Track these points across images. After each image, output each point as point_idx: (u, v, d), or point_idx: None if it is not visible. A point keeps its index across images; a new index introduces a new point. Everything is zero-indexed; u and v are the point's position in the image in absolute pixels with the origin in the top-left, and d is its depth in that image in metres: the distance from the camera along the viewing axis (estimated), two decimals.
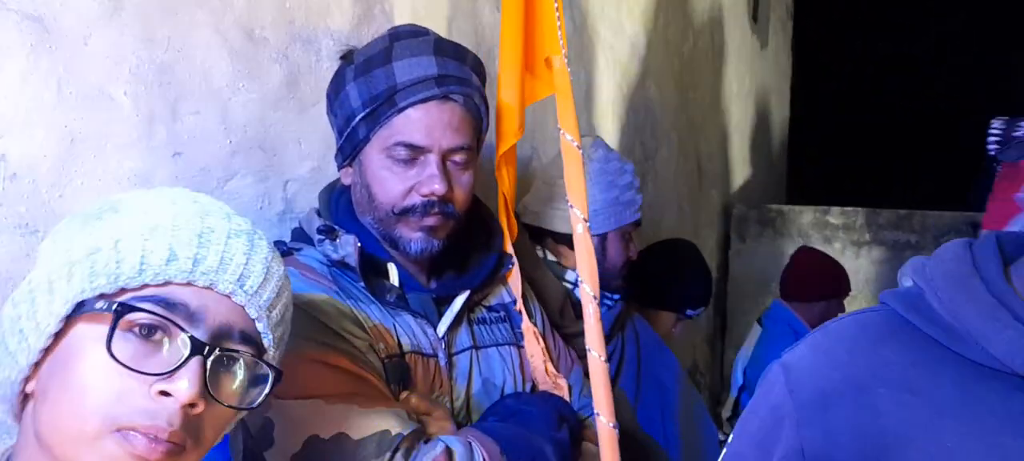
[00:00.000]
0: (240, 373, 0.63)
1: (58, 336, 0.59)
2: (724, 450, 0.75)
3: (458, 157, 1.08)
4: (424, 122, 1.04)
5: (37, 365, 0.59)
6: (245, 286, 0.62)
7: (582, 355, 1.22)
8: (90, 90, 0.96)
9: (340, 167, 1.15)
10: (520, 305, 1.22)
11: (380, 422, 0.93)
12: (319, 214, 1.13)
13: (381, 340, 1.02)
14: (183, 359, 0.58)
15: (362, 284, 1.05)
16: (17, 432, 0.63)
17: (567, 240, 1.49)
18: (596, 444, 1.15)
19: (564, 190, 1.47)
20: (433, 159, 1.05)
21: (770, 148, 5.38)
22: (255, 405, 0.65)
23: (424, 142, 1.05)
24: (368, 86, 1.06)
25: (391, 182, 1.06)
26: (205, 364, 0.59)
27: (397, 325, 1.06)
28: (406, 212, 1.06)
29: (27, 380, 0.60)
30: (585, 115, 2.22)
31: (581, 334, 1.47)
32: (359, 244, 1.06)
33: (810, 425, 0.66)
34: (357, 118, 1.07)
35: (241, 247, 0.63)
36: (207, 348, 0.59)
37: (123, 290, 0.58)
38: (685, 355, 3.02)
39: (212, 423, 0.61)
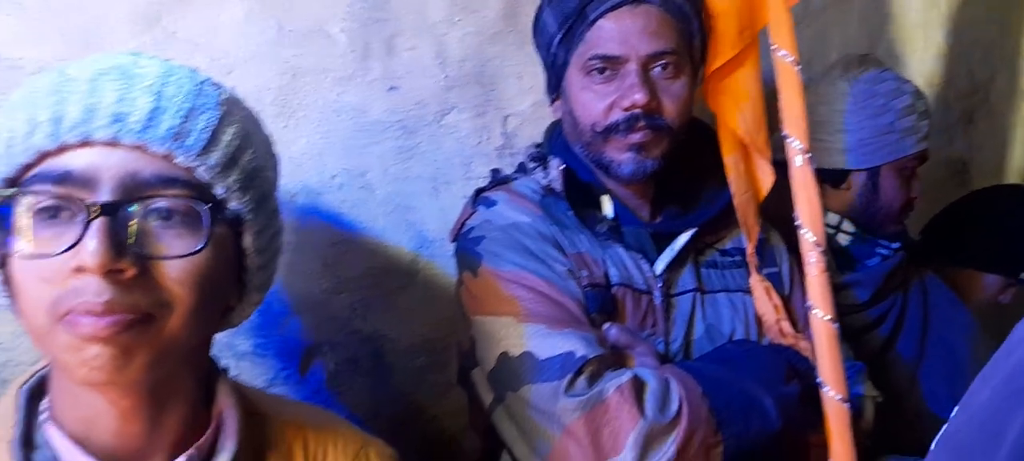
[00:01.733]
0: (179, 219, 0.57)
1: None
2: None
3: (662, 63, 0.96)
4: (617, 30, 0.95)
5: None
6: (128, 124, 0.54)
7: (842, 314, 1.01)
8: (308, 27, 1.03)
9: (551, 102, 1.10)
10: (750, 254, 1.05)
11: (566, 344, 0.87)
12: (537, 146, 1.10)
13: (585, 268, 0.96)
14: (84, 226, 0.53)
15: (571, 212, 1.00)
16: None
17: (829, 178, 1.26)
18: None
19: (821, 120, 1.24)
20: (632, 68, 0.95)
21: None
22: (201, 248, 0.56)
23: (619, 51, 0.95)
24: (561, 6, 1.00)
25: (591, 100, 0.98)
26: (111, 224, 0.53)
27: (607, 257, 0.98)
28: (610, 131, 0.97)
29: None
30: (880, 38, 1.85)
31: (845, 286, 1.24)
32: (564, 168, 1.01)
33: None
34: (555, 42, 1.01)
35: (112, 85, 0.55)
36: (107, 207, 0.53)
37: (10, 180, 0.55)
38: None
39: (175, 279, 0.56)
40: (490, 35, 1.22)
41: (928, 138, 1.25)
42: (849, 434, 0.88)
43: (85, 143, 0.54)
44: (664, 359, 0.96)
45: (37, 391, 0.62)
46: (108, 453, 0.59)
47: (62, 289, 0.53)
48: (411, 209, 1.17)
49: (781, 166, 0.99)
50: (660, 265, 1.00)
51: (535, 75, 1.26)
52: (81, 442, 0.59)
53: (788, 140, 0.94)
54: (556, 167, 1.01)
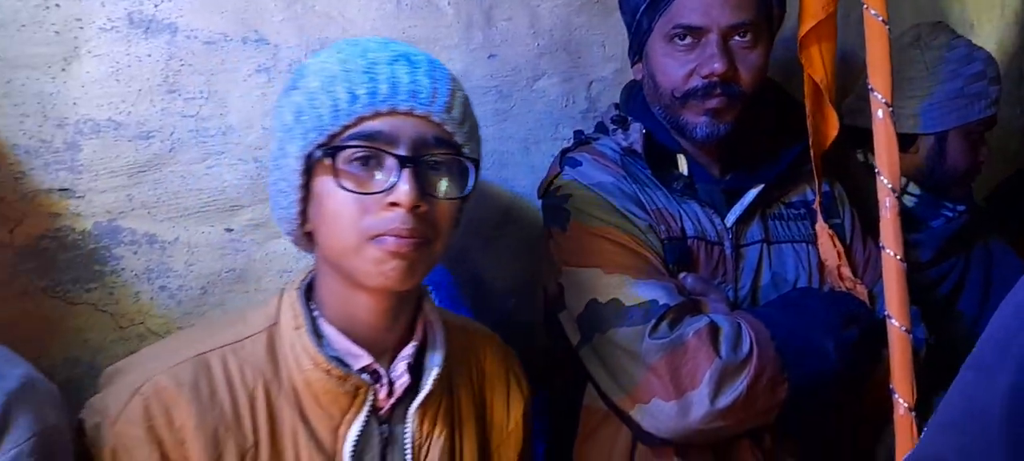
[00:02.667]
0: (446, 171, 0.75)
1: (307, 186, 0.75)
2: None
3: (741, 34, 1.04)
4: (700, 2, 1.03)
5: (304, 212, 0.77)
6: (420, 97, 0.72)
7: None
8: (420, 1, 1.16)
9: (633, 64, 1.18)
10: (817, 203, 1.14)
11: (649, 293, 0.97)
12: (618, 107, 1.19)
13: (663, 222, 1.06)
14: (395, 171, 0.71)
15: (649, 171, 1.09)
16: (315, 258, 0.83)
17: (898, 141, 1.32)
18: None
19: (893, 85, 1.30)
20: (713, 39, 1.03)
21: None
22: (467, 192, 0.77)
23: (701, 21, 1.03)
24: None
25: (672, 67, 1.07)
26: (414, 172, 0.71)
27: (683, 212, 1.08)
28: (688, 96, 1.06)
29: (303, 224, 0.78)
30: (952, 5, 1.87)
31: (908, 246, 1.30)
32: (645, 131, 1.09)
33: None
34: (640, 10, 1.10)
35: (405, 68, 0.73)
36: (413, 159, 0.71)
37: (332, 136, 0.72)
38: None
39: (442, 216, 0.75)
40: (577, 7, 1.32)
41: (997, 104, 1.30)
42: (910, 361, 0.97)
43: (391, 112, 0.72)
44: (734, 305, 1.05)
45: (306, 293, 0.81)
46: (362, 341, 0.79)
47: (375, 218, 0.72)
48: (505, 166, 1.29)
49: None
50: (730, 218, 1.09)
51: (617, 44, 1.37)
52: (344, 332, 0.79)
53: (873, 93, 1.01)
54: (637, 131, 1.10)
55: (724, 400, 0.93)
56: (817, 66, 1.11)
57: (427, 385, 0.82)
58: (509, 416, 0.94)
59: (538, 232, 1.28)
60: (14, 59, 0.89)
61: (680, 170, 1.11)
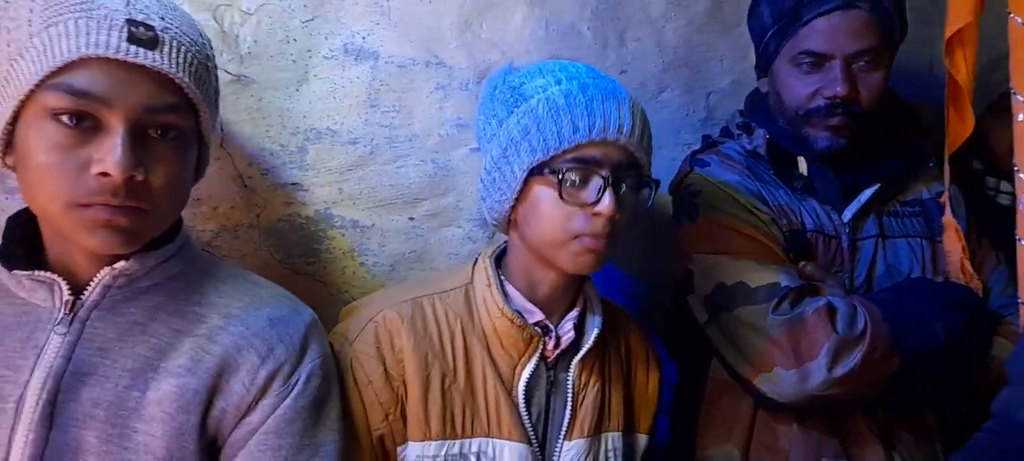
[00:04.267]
0: (632, 187, 0.95)
1: (521, 189, 0.94)
2: None
3: (863, 60, 1.14)
4: (827, 31, 1.14)
5: (515, 206, 0.97)
6: (623, 131, 0.92)
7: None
8: (565, 27, 1.35)
9: (758, 77, 1.31)
10: (946, 197, 1.22)
11: (772, 276, 1.10)
12: (742, 114, 1.32)
13: (785, 217, 1.18)
14: (601, 189, 0.91)
15: (772, 171, 1.22)
16: (498, 237, 1.04)
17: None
18: (1011, 340, 1.11)
19: None
20: (837, 64, 1.14)
21: None
22: (648, 207, 0.97)
23: (826, 49, 1.14)
24: (777, 4, 1.19)
25: (797, 87, 1.18)
26: (615, 189, 0.91)
27: (803, 208, 1.20)
28: (811, 114, 1.17)
29: (510, 212, 0.98)
30: None
31: None
32: (768, 137, 1.22)
33: None
34: (768, 33, 1.22)
35: (613, 106, 0.92)
36: (613, 179, 0.91)
37: (553, 156, 0.91)
38: None
39: (625, 222, 0.94)
40: (698, 26, 1.48)
41: None
42: None
43: (603, 142, 0.91)
44: (849, 291, 1.16)
45: (496, 261, 1.03)
46: (538, 303, 1.01)
47: (580, 222, 0.92)
48: None
49: None
50: (847, 214, 1.20)
51: (733, 59, 1.52)
52: (525, 295, 1.01)
53: (1015, 96, 1.05)
54: (761, 136, 1.23)
55: (840, 370, 1.04)
56: (960, 68, 1.19)
57: (589, 341, 1.02)
58: (648, 383, 1.13)
59: (662, 226, 1.45)
60: (264, 82, 1.14)
61: (800, 171, 1.22)
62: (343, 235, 1.22)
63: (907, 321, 1.08)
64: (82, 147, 0.73)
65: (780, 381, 1.07)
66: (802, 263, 1.16)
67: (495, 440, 0.98)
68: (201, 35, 0.83)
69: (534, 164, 0.92)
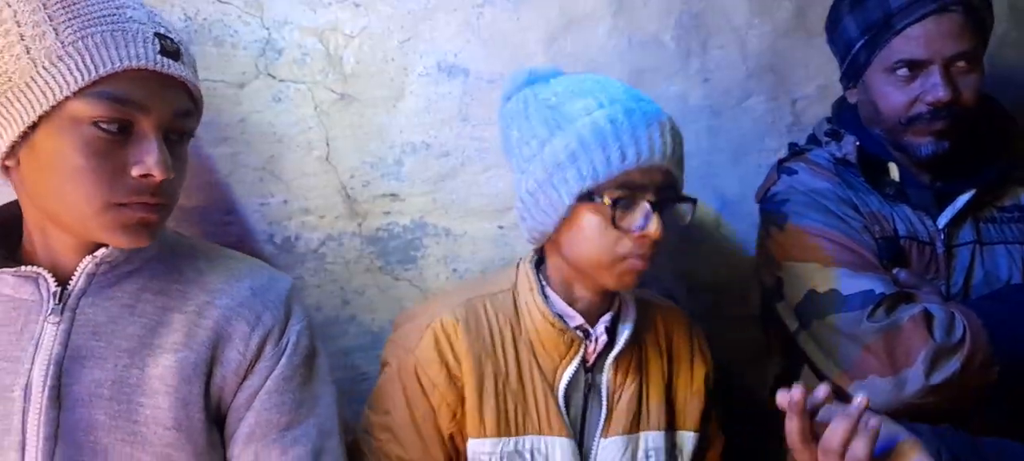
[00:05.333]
0: (671, 206, 0.99)
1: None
2: None
3: (961, 62, 1.12)
4: (923, 37, 1.11)
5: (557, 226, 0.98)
6: (665, 154, 0.95)
7: None
8: (648, 38, 1.38)
9: (846, 88, 1.29)
10: None
11: (866, 283, 1.08)
12: (829, 121, 1.30)
13: (877, 224, 1.16)
14: (649, 214, 0.94)
15: (862, 178, 1.20)
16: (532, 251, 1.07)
17: None
18: None
19: None
20: (936, 69, 1.11)
21: None
22: (686, 223, 1.00)
23: (925, 56, 1.12)
24: (864, 16, 1.18)
25: (895, 96, 1.16)
26: (660, 211, 0.95)
27: (895, 214, 1.18)
28: (912, 121, 1.14)
29: (550, 233, 1.00)
30: None
31: None
32: (858, 144, 1.20)
33: None
34: (856, 46, 1.20)
35: (656, 131, 0.94)
36: (659, 203, 0.94)
37: (599, 184, 0.93)
38: None
39: (664, 239, 0.96)
40: (782, 33, 1.47)
41: None
42: None
43: (649, 167, 0.95)
44: (945, 299, 1.13)
45: (535, 266, 1.08)
46: (578, 308, 1.05)
47: (626, 245, 0.96)
48: (716, 176, 1.47)
49: None
50: (942, 220, 1.17)
51: (819, 65, 1.50)
52: (565, 299, 1.05)
53: None
54: (851, 143, 1.22)
55: (938, 377, 1.02)
56: None
57: (619, 344, 1.05)
58: (693, 378, 1.14)
59: (744, 235, 1.45)
60: (364, 99, 1.22)
61: (892, 177, 1.21)
62: (437, 243, 1.28)
63: (1008, 330, 1.04)
64: (119, 151, 0.78)
65: (875, 389, 1.05)
66: (896, 270, 1.14)
67: (546, 437, 1.02)
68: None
69: (583, 191, 0.94)
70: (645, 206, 0.95)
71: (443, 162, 1.27)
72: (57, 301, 0.83)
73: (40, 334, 0.82)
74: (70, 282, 0.84)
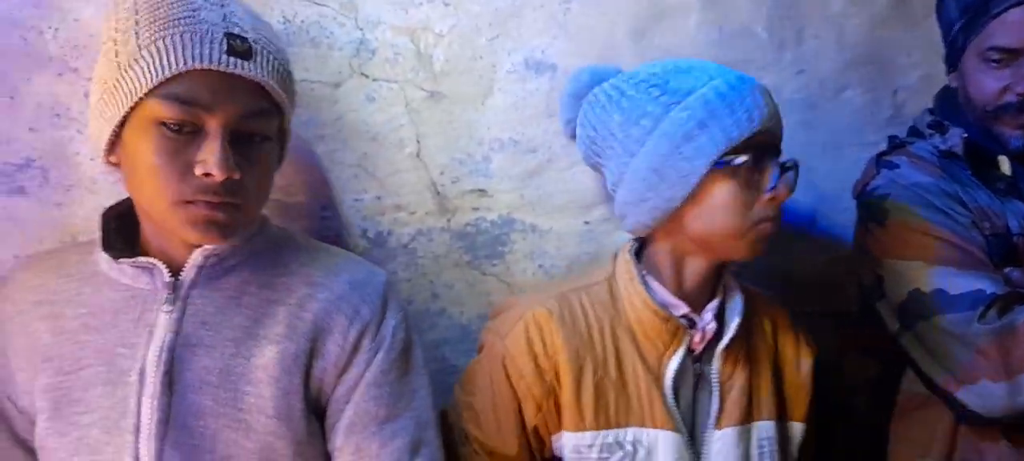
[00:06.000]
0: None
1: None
2: None
3: None
4: (1017, 25, 1.08)
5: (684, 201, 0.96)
6: (774, 116, 0.97)
7: None
8: (739, 28, 1.34)
9: (948, 73, 1.24)
10: None
11: (975, 283, 1.04)
12: (932, 113, 1.25)
13: (986, 220, 1.11)
14: (775, 174, 0.95)
15: (969, 172, 1.15)
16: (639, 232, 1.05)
17: None
18: None
19: None
20: None
21: None
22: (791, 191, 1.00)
23: (1016, 44, 1.08)
24: None
25: (986, 83, 1.12)
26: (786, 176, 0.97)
27: (1007, 209, 1.12)
28: (1001, 110, 1.11)
29: (673, 211, 0.98)
30: None
31: None
32: (966, 136, 1.15)
33: None
34: (955, 27, 1.16)
35: (761, 93, 0.97)
36: (784, 165, 0.97)
37: (733, 149, 0.93)
38: None
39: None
40: (881, 21, 1.41)
41: None
42: None
43: (764, 129, 0.96)
44: None
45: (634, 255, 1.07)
46: (684, 297, 1.04)
47: (759, 210, 0.96)
48: (812, 171, 1.41)
49: None
50: None
51: (921, 53, 1.43)
52: (671, 289, 1.04)
53: None
54: (958, 135, 1.16)
55: None
56: None
57: (730, 331, 1.03)
58: (799, 369, 1.11)
59: (841, 231, 1.40)
60: (454, 97, 1.24)
61: (1002, 171, 1.15)
62: (524, 239, 1.29)
63: None
64: (185, 150, 0.81)
65: (987, 395, 1.01)
66: (1008, 269, 1.09)
67: (649, 430, 1.00)
68: (282, 44, 0.91)
69: (716, 157, 0.93)
70: (772, 167, 0.95)
71: (530, 158, 1.28)
72: (170, 291, 0.88)
73: (155, 322, 0.87)
74: (181, 273, 0.89)
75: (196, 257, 0.89)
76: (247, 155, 0.84)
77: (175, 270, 0.89)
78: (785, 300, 1.39)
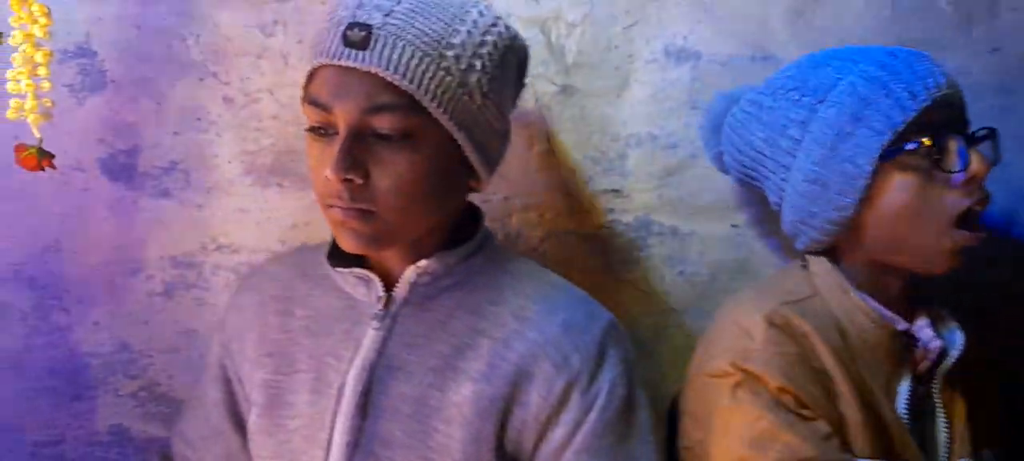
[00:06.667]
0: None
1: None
2: None
3: None
4: None
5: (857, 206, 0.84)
6: (949, 81, 0.85)
7: None
8: (917, 2, 1.16)
9: None
10: None
11: None
12: None
13: None
14: (962, 150, 0.83)
15: None
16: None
17: None
18: None
19: None
20: None
21: None
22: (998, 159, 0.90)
23: None
24: None
25: None
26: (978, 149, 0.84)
27: None
28: None
29: (850, 217, 0.85)
30: None
31: None
32: None
33: None
34: None
35: (926, 60, 0.86)
36: (967, 139, 0.84)
37: (898, 135, 0.81)
38: None
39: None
40: None
41: None
42: None
43: (939, 97, 0.83)
44: None
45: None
46: (883, 301, 0.90)
47: (954, 200, 0.84)
48: (1007, 164, 1.17)
49: None
50: None
51: None
52: (870, 294, 0.90)
53: None
54: None
55: None
56: None
57: (956, 350, 0.88)
58: (996, 387, 0.97)
59: None
60: (585, 91, 1.16)
61: None
62: (662, 243, 1.19)
63: None
64: (324, 152, 0.78)
65: None
66: None
67: None
68: (440, 24, 0.76)
69: (883, 147, 0.80)
70: (955, 144, 0.82)
71: (670, 155, 1.17)
72: (382, 307, 0.85)
73: (363, 337, 0.84)
74: (395, 289, 0.85)
75: (409, 274, 0.84)
76: (375, 155, 0.76)
77: (388, 285, 0.86)
78: (977, 316, 1.21)
